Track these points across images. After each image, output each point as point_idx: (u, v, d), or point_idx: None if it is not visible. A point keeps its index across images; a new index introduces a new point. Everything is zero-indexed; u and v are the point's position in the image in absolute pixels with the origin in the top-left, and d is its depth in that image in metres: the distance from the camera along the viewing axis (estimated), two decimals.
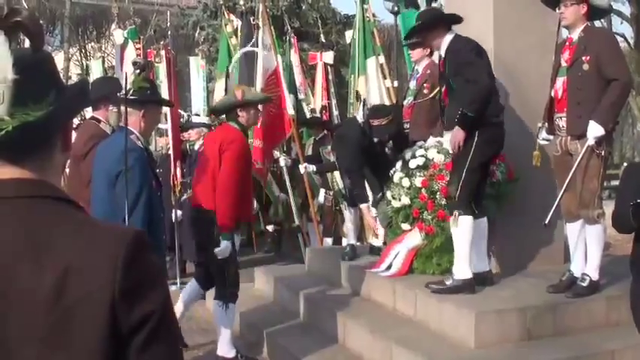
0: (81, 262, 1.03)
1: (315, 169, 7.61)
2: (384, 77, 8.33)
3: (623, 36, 18.52)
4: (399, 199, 5.11)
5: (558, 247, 5.32)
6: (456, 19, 4.65)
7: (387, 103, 7.68)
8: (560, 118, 4.46)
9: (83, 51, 19.48)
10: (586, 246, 4.47)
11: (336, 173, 7.54)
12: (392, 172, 5.24)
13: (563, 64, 4.43)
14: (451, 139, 4.48)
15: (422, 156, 5.06)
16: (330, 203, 8.15)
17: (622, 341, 4.08)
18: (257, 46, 7.98)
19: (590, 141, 4.20)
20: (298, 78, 9.31)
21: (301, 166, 7.48)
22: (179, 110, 8.31)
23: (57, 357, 1.01)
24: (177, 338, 1.14)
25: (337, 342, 4.80)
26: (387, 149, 5.86)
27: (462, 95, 4.42)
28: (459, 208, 4.45)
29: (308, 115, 9.02)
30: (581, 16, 4.36)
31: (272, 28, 8.25)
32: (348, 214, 6.01)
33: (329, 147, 7.48)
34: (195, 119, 8.41)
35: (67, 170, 5.81)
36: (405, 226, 5.12)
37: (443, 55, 4.64)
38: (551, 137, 4.58)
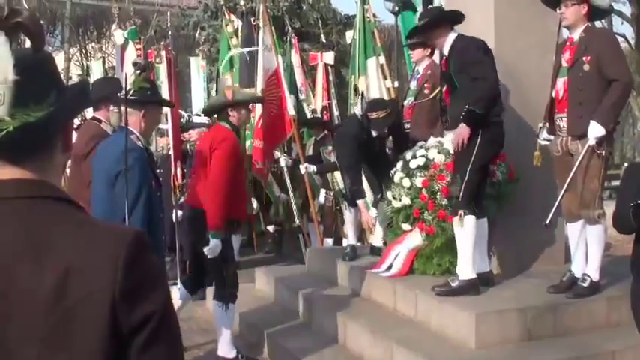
0: (81, 262, 1.03)
1: (315, 170, 7.62)
2: (385, 77, 8.32)
3: (623, 36, 18.49)
4: (400, 200, 5.10)
5: (559, 248, 5.31)
6: (459, 17, 4.63)
7: None
8: (561, 118, 4.45)
9: (84, 51, 19.49)
10: (587, 246, 4.46)
11: (337, 174, 7.53)
12: (392, 172, 5.24)
13: (564, 64, 4.42)
14: (455, 136, 4.42)
15: (422, 156, 5.06)
16: (331, 204, 8.14)
17: (622, 341, 4.08)
18: (257, 47, 7.99)
19: (591, 141, 4.20)
20: (299, 78, 9.30)
21: (302, 166, 7.49)
22: (180, 111, 8.29)
23: (57, 357, 1.01)
24: (178, 338, 1.13)
25: (338, 342, 4.79)
26: (387, 149, 5.86)
27: (467, 93, 4.40)
28: (464, 207, 4.43)
29: (309, 115, 9.01)
30: (582, 16, 4.36)
31: (272, 28, 8.26)
32: (348, 215, 6.00)
33: (329, 147, 7.49)
34: (195, 120, 8.39)
35: (68, 170, 5.82)
36: (406, 227, 5.12)
37: (446, 54, 4.62)
38: (551, 137, 4.57)
